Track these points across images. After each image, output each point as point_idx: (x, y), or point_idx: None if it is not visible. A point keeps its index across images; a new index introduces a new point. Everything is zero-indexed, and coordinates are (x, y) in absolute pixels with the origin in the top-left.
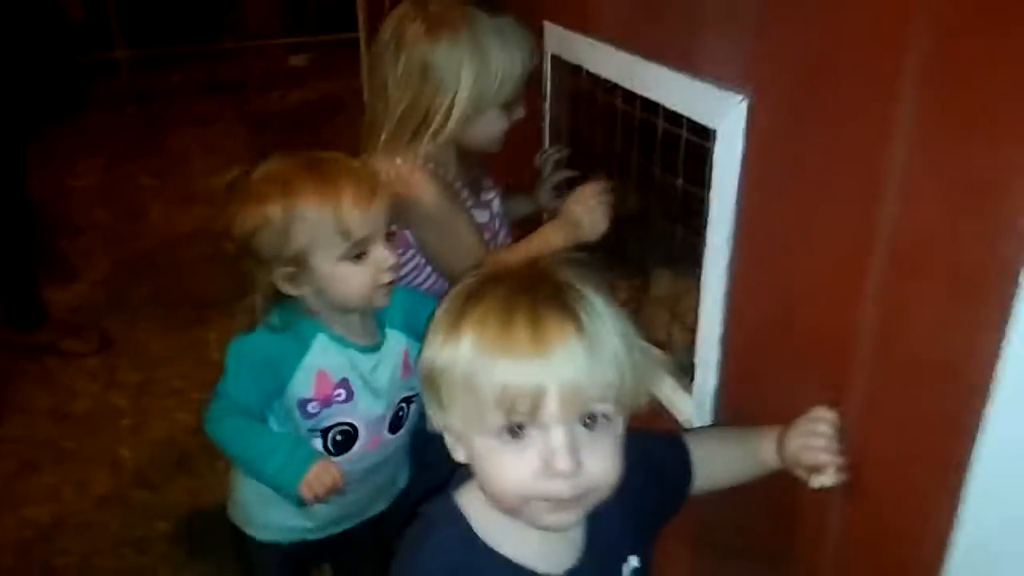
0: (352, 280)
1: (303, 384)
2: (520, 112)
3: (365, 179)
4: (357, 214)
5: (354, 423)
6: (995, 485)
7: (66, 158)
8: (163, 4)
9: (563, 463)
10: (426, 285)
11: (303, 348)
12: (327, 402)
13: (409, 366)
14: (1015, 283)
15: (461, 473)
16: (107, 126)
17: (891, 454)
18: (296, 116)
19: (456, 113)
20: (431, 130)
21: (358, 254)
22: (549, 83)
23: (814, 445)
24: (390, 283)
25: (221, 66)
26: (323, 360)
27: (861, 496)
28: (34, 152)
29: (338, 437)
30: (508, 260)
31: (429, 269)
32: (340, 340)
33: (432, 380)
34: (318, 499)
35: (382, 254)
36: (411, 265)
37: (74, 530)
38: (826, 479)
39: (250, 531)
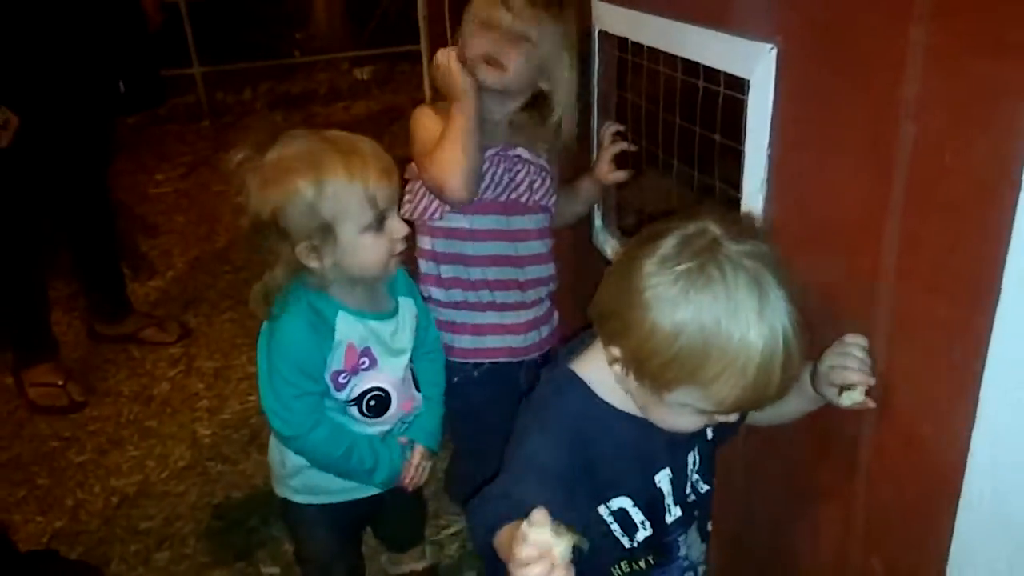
0: (373, 249)
1: (337, 359)
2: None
3: (383, 153)
4: (383, 185)
5: (384, 387)
6: (1007, 390)
7: (147, 168)
8: (235, 22)
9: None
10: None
11: (331, 328)
12: (354, 371)
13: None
14: (1017, 186)
15: (570, 347)
16: (184, 139)
17: (915, 369)
18: (360, 126)
19: None
20: None
21: (378, 225)
22: (597, 59)
23: (846, 365)
24: (400, 253)
25: (289, 80)
26: (348, 334)
27: (889, 416)
28: (118, 163)
29: (372, 403)
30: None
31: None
32: (358, 313)
33: (675, 360)
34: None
35: (397, 224)
36: (424, 201)
37: (157, 498)
38: (856, 395)
39: (296, 498)
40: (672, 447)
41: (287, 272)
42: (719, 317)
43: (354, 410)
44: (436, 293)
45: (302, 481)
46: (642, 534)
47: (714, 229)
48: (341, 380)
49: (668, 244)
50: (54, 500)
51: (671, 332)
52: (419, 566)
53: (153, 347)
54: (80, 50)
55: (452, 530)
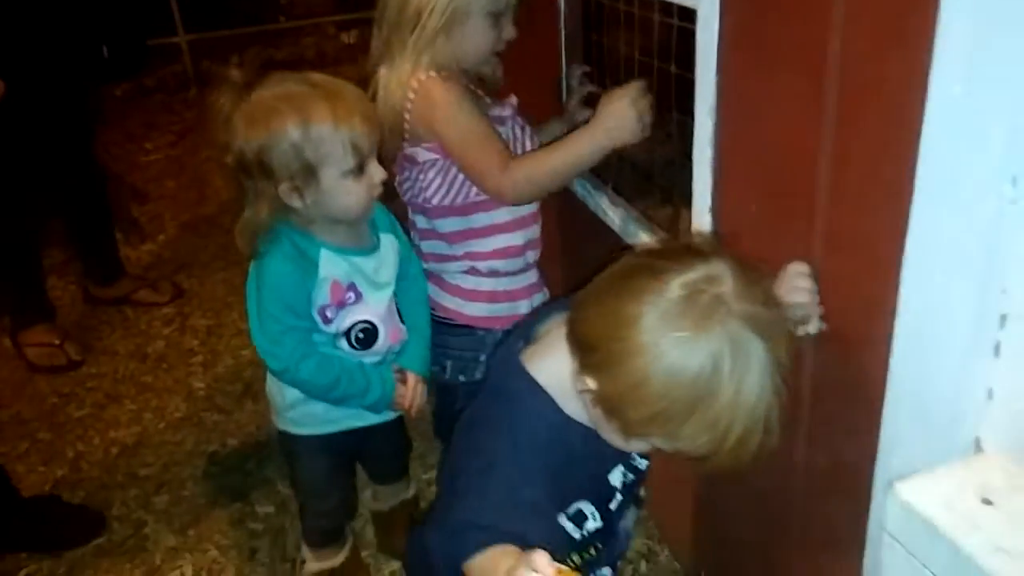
0: (353, 193)
1: (322, 295)
2: (511, 32)
3: (365, 99)
4: (366, 131)
5: (371, 320)
6: (922, 279)
7: (136, 138)
8: None
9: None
10: (479, 197)
11: (314, 265)
12: (341, 305)
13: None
14: (924, 93)
15: (520, 332)
16: (172, 108)
17: (846, 270)
18: None
19: (440, 10)
20: (425, 32)
21: (359, 170)
22: (563, 1)
23: (799, 300)
24: (377, 196)
25: (276, 46)
26: (332, 271)
27: (827, 319)
28: (107, 134)
29: (360, 335)
30: (543, 166)
31: (455, 186)
32: (340, 250)
33: (657, 415)
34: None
35: (376, 169)
36: (437, 183)
37: (155, 447)
38: (811, 327)
39: (294, 430)
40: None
41: (270, 210)
42: (712, 384)
43: (343, 342)
44: (452, 266)
45: (300, 412)
46: (592, 524)
47: (724, 283)
48: (328, 315)
49: (672, 296)
50: (55, 452)
51: (661, 391)
52: (399, 499)
53: (147, 308)
54: (63, 16)
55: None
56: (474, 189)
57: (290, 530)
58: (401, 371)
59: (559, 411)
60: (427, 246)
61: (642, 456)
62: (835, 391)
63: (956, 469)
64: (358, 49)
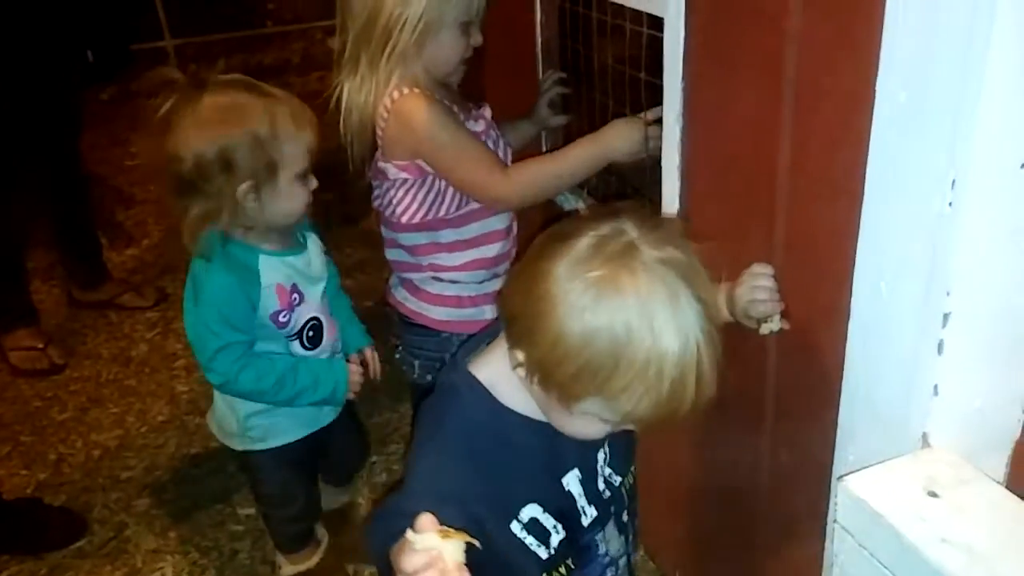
0: (299, 197)
1: (270, 300)
2: (478, 39)
3: (309, 110)
4: (315, 139)
5: (317, 315)
6: (872, 281)
7: (122, 142)
8: None
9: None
10: (448, 215)
11: (254, 273)
12: (291, 307)
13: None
14: (871, 101)
15: (469, 346)
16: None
17: (803, 273)
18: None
19: (411, 24)
20: (395, 47)
21: (304, 176)
22: (539, 8)
23: (760, 298)
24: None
25: (263, 51)
26: (274, 276)
27: (788, 316)
28: (93, 137)
29: (310, 333)
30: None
31: (447, 198)
32: (275, 253)
33: (581, 371)
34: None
35: (312, 179)
36: (406, 201)
37: (137, 450)
38: (774, 325)
39: (256, 446)
40: (579, 446)
41: (228, 211)
42: (630, 327)
43: (296, 344)
44: (415, 276)
45: (260, 427)
46: (556, 538)
47: (631, 232)
48: (282, 319)
49: (581, 246)
50: (37, 455)
51: (580, 341)
52: (340, 503)
53: (131, 312)
54: (47, 20)
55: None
56: (443, 208)
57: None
58: (359, 352)
59: (493, 401)
60: (392, 254)
61: (616, 470)
62: (795, 391)
63: (904, 463)
64: None
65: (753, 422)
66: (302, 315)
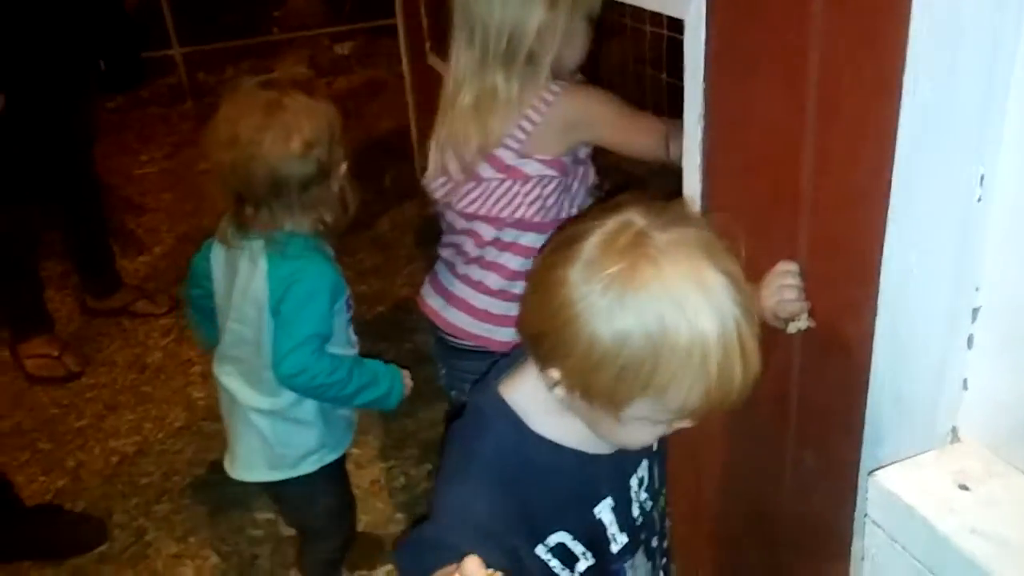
0: (352, 187)
1: (345, 283)
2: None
3: None
4: None
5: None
6: (900, 277)
7: (131, 150)
8: (213, 2)
9: (692, 425)
10: (536, 218)
11: (334, 258)
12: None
13: None
14: (898, 98)
15: (501, 365)
16: (167, 120)
17: (829, 272)
18: (343, 101)
19: (559, 27)
20: (540, 52)
21: None
22: None
23: (787, 297)
24: None
25: (270, 58)
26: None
27: (814, 317)
28: (103, 146)
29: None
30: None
31: (554, 203)
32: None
33: (624, 373)
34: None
35: None
36: (542, 198)
37: (155, 456)
38: (801, 324)
39: (318, 464)
40: (615, 474)
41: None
42: (662, 318)
43: (351, 329)
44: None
45: (327, 438)
46: (584, 564)
47: (638, 221)
48: (350, 302)
49: (590, 247)
50: (56, 462)
51: (614, 343)
52: None
53: (144, 319)
54: (60, 30)
55: None
56: (564, 208)
57: (290, 536)
58: None
59: (524, 428)
60: (503, 258)
61: (650, 496)
62: (821, 389)
63: (934, 457)
64: (352, 60)
65: (778, 421)
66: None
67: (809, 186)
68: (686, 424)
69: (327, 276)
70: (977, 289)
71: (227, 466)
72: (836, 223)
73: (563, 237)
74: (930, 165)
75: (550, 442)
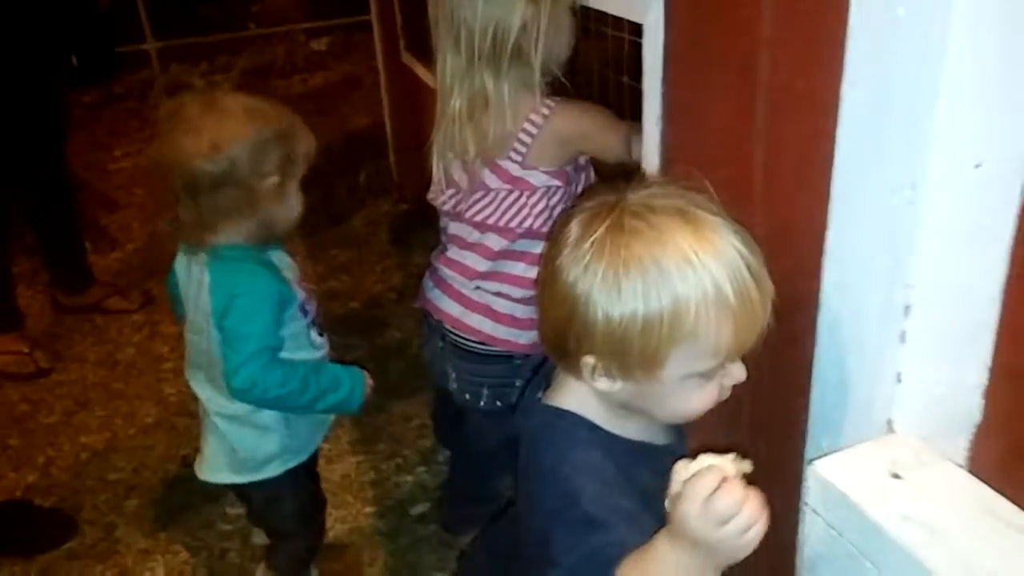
0: (299, 203)
1: (299, 292)
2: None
3: None
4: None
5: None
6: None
7: (105, 145)
8: None
9: (743, 378)
10: (544, 228)
11: (278, 271)
12: (309, 296)
13: None
14: (838, 105)
15: (534, 386)
16: (140, 115)
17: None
18: (319, 97)
19: (545, 21)
20: (528, 49)
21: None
22: None
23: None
24: None
25: (246, 53)
26: (288, 270)
27: None
28: (76, 141)
29: (318, 320)
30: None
31: (550, 214)
32: (276, 247)
33: (649, 329)
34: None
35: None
36: (548, 209)
37: (125, 452)
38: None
39: (280, 469)
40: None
41: (250, 205)
42: (660, 260)
43: (314, 332)
44: (516, 292)
45: (286, 445)
46: None
47: (611, 195)
48: (307, 307)
49: (574, 230)
50: (26, 458)
51: (628, 306)
52: None
53: (117, 315)
54: (31, 24)
55: None
56: None
57: (260, 531)
58: None
59: (598, 429)
60: (498, 265)
61: None
62: (772, 381)
63: (869, 448)
64: (329, 56)
65: (733, 412)
66: (312, 302)
67: (760, 186)
68: (736, 373)
69: (268, 288)
70: (909, 287)
71: (196, 466)
72: (785, 221)
73: (553, 234)
74: (866, 168)
75: (624, 438)
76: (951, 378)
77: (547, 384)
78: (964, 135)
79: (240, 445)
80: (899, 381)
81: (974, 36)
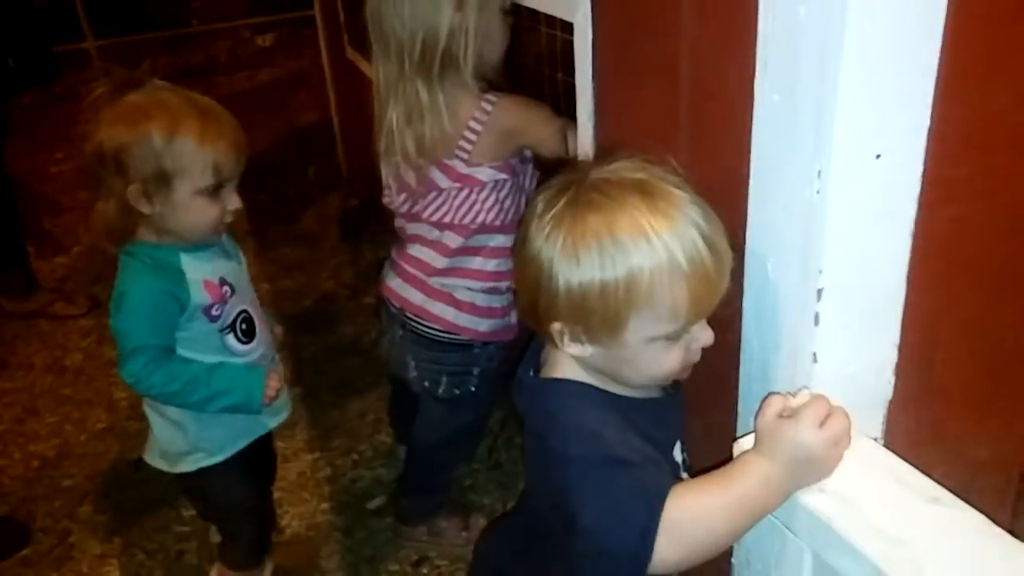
0: (204, 213)
1: (200, 295)
2: (510, 19)
3: (239, 130)
4: (231, 158)
5: (246, 308)
6: (759, 263)
7: (45, 147)
8: None
9: (711, 341)
10: (496, 222)
11: (178, 273)
12: (223, 300)
13: None
14: (751, 100)
15: (524, 366)
16: (81, 116)
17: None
18: (265, 93)
19: (473, 26)
20: (458, 53)
21: (215, 192)
22: None
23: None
24: (227, 224)
25: (189, 50)
26: (199, 272)
27: None
28: (15, 144)
29: (243, 326)
30: None
31: (508, 206)
32: (196, 250)
33: (607, 295)
34: (272, 399)
35: (233, 198)
36: (495, 203)
37: (77, 459)
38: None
39: (209, 460)
40: (674, 417)
41: (118, 208)
42: (615, 230)
43: (230, 338)
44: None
45: (209, 439)
46: None
47: (578, 172)
48: (214, 312)
49: (539, 204)
50: None
51: (586, 274)
52: None
53: (63, 320)
54: None
55: None
56: (521, 207)
57: (216, 531)
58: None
59: (591, 389)
60: (456, 261)
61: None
62: (705, 366)
63: None
64: (275, 52)
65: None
66: (234, 307)
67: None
68: (702, 336)
69: (150, 289)
70: (821, 272)
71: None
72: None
73: (523, 213)
74: (778, 161)
75: (621, 395)
76: (863, 357)
77: (536, 365)
78: (864, 128)
79: (158, 435)
80: (815, 361)
81: (869, 36)
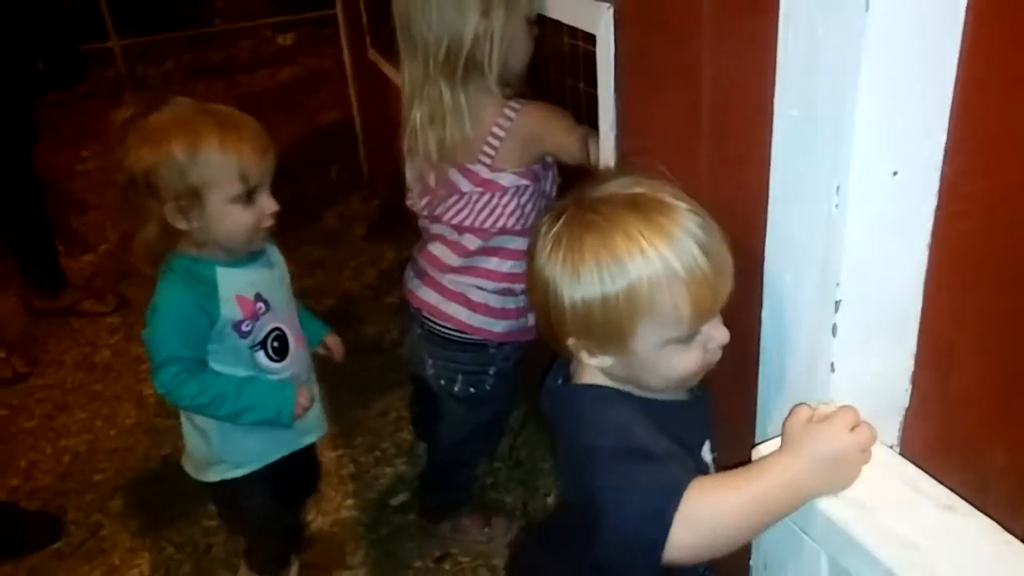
0: (239, 220)
1: (231, 310)
2: (536, 29)
3: (263, 133)
4: (256, 161)
5: (280, 326)
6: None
7: (72, 146)
8: None
9: (726, 339)
10: (517, 226)
11: (212, 287)
12: (255, 316)
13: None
14: (771, 115)
15: (553, 377)
16: (106, 114)
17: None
18: (286, 92)
19: (499, 32)
20: (483, 59)
21: (248, 198)
22: None
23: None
24: (268, 228)
25: (211, 49)
26: (233, 287)
27: None
28: (42, 142)
29: (275, 344)
30: None
31: (528, 211)
32: (233, 264)
33: (610, 309)
34: (304, 412)
35: (268, 201)
36: (517, 208)
37: (107, 453)
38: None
39: (234, 473)
40: (702, 421)
41: (158, 230)
42: (612, 246)
43: (260, 355)
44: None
45: (233, 452)
46: None
47: (574, 194)
48: (244, 328)
49: (544, 225)
50: (7, 462)
51: (587, 290)
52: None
53: (92, 318)
54: None
55: None
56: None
57: None
58: (322, 342)
59: (619, 393)
60: (472, 260)
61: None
62: (724, 375)
63: None
64: (296, 51)
65: None
66: (265, 324)
67: (706, 191)
68: (717, 335)
69: (180, 301)
70: (838, 284)
71: None
72: (728, 224)
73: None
74: (798, 175)
75: (649, 399)
76: (880, 367)
77: (566, 374)
78: (882, 146)
79: (188, 441)
80: (833, 370)
81: (886, 55)
